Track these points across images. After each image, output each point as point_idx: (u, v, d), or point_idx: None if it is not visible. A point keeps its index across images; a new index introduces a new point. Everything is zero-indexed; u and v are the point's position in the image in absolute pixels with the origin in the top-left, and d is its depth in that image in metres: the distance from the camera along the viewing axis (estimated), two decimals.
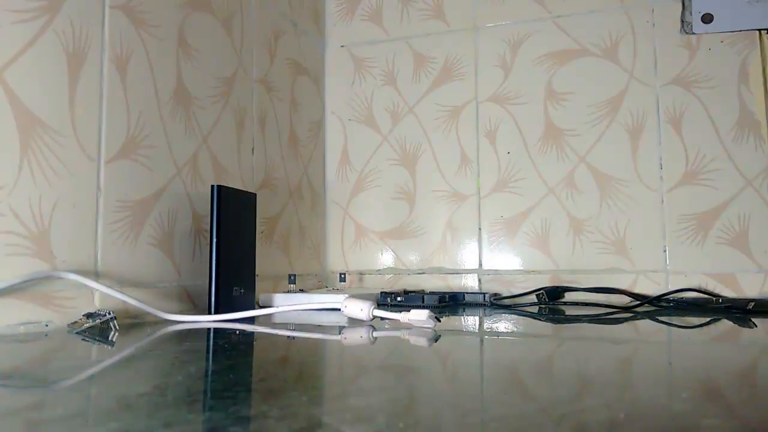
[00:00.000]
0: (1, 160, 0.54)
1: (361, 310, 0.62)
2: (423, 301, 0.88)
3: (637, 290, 0.96)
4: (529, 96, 1.06)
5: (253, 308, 0.78)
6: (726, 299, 0.85)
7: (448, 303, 0.92)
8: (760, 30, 0.94)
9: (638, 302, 0.87)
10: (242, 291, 0.76)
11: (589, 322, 0.68)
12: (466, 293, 0.98)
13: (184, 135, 0.78)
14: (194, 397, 0.31)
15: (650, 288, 0.96)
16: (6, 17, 0.55)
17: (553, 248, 1.02)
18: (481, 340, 0.55)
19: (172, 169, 0.75)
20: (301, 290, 0.92)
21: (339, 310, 0.64)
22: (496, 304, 0.92)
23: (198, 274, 0.78)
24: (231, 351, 0.47)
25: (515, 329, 0.62)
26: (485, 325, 0.66)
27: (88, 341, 0.52)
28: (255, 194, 0.81)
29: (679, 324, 0.67)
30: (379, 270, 1.13)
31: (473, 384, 0.35)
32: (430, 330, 0.57)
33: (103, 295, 0.63)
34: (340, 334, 0.57)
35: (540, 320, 0.72)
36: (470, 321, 0.71)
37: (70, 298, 0.60)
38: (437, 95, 1.12)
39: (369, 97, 1.16)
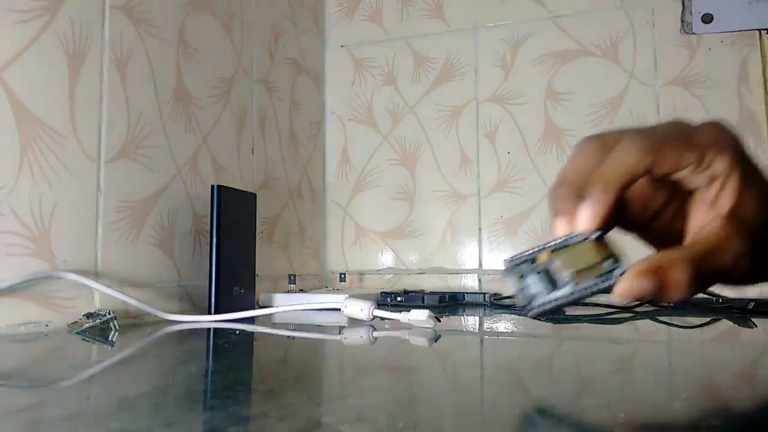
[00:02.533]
0: (1, 160, 0.54)
1: (361, 310, 0.62)
2: (423, 301, 0.88)
3: None
4: (529, 96, 1.06)
5: (253, 308, 0.78)
6: (726, 299, 0.85)
7: (448, 303, 0.92)
8: (760, 30, 0.94)
9: (638, 302, 0.87)
10: (242, 291, 0.76)
11: (589, 322, 0.68)
12: (466, 293, 0.98)
13: (184, 135, 0.78)
14: (194, 397, 0.31)
15: None
16: (6, 17, 0.55)
17: None
18: (481, 340, 0.55)
19: (172, 169, 0.75)
20: (301, 290, 0.92)
21: (339, 310, 0.63)
22: (496, 304, 0.92)
23: (198, 274, 0.78)
24: (231, 351, 0.47)
25: (515, 329, 0.62)
26: (485, 325, 0.66)
27: (88, 341, 0.52)
28: (255, 194, 0.81)
29: (679, 324, 0.67)
30: (379, 270, 1.13)
31: (473, 384, 0.35)
32: (430, 330, 0.57)
33: (103, 295, 0.63)
34: (340, 334, 0.57)
35: (540, 320, 0.72)
36: (470, 321, 0.71)
37: (70, 298, 0.60)
38: (437, 95, 1.12)
39: (369, 97, 1.16)
